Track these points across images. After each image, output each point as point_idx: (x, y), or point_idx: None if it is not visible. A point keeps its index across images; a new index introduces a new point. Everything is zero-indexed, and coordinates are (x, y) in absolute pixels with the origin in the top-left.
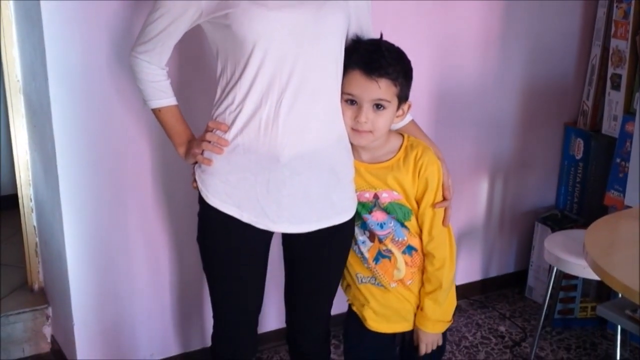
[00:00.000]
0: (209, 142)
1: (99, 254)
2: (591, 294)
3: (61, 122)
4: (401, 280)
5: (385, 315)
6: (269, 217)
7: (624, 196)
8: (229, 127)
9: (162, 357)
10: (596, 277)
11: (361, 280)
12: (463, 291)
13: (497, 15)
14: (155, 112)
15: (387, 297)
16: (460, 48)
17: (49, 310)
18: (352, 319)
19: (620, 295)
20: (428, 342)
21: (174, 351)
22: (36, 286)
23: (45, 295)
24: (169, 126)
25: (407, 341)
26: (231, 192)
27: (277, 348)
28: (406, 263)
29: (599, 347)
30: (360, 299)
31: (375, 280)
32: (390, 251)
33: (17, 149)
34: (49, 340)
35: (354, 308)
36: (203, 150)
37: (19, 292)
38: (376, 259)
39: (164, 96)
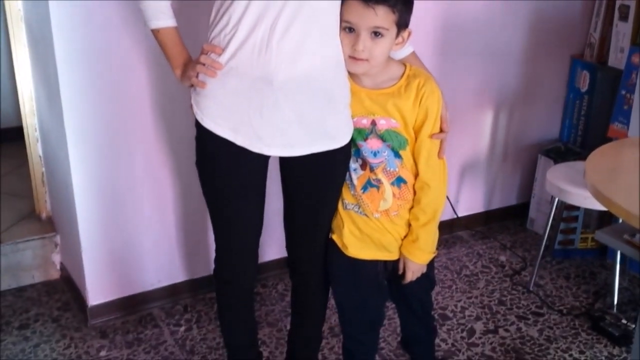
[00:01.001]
0: (204, 64)
1: (105, 182)
2: (592, 225)
3: (63, 51)
4: (386, 211)
5: (364, 242)
6: (262, 141)
7: (627, 128)
8: (224, 50)
9: (168, 283)
10: (597, 208)
11: (345, 206)
12: (465, 222)
13: None
14: (154, 33)
15: (368, 227)
16: None
17: (57, 238)
18: (334, 250)
19: (620, 221)
20: (415, 270)
21: (180, 278)
22: (44, 215)
23: (53, 224)
24: (167, 48)
25: (389, 271)
26: (225, 115)
27: (281, 276)
28: (394, 194)
29: (598, 277)
30: (340, 225)
31: (359, 208)
32: (379, 181)
33: (20, 79)
34: (58, 267)
35: (334, 237)
36: (198, 73)
37: (27, 221)
38: (364, 188)
39: (163, 17)
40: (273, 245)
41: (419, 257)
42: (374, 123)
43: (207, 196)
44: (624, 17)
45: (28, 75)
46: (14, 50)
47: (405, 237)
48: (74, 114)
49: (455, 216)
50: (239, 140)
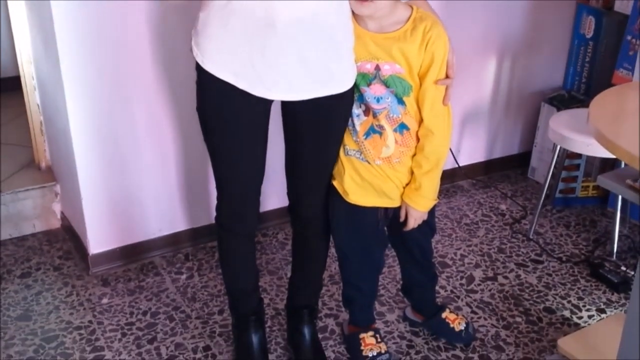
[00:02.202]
0: None
1: (104, 130)
2: (593, 174)
3: None
4: (388, 158)
5: (365, 188)
6: (264, 85)
7: (632, 74)
8: None
9: (169, 232)
10: (599, 155)
11: (347, 153)
12: (466, 172)
13: None
14: None
15: (370, 173)
16: None
17: (57, 188)
18: (335, 197)
19: (622, 165)
20: (417, 217)
21: (182, 226)
22: (43, 164)
23: (52, 173)
24: None
25: (390, 218)
26: (227, 58)
27: (282, 225)
28: (396, 141)
29: (598, 224)
30: (341, 171)
31: (361, 155)
32: (382, 127)
33: (16, 27)
34: (58, 216)
35: (335, 183)
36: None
37: (26, 170)
38: (367, 134)
39: None
40: (273, 194)
41: (421, 204)
42: (377, 68)
43: (208, 142)
44: None
45: (25, 22)
46: None
47: (407, 184)
48: (70, 61)
49: (456, 165)
50: (241, 84)
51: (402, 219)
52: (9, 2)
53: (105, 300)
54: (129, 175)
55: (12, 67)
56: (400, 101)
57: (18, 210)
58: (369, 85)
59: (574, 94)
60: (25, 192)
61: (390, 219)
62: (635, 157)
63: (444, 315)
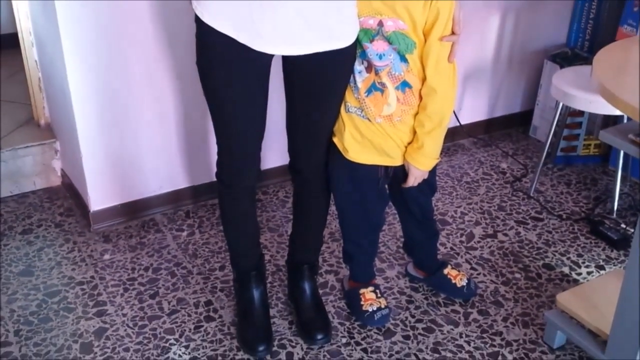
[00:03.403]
0: None
1: (102, 86)
2: (595, 132)
3: None
4: (389, 117)
5: (365, 146)
6: (264, 38)
7: (637, 31)
8: None
9: (170, 190)
10: (602, 112)
11: (348, 109)
12: (468, 130)
13: None
14: None
15: (370, 131)
16: None
17: (57, 145)
18: (335, 154)
19: (625, 120)
20: (418, 176)
21: (182, 184)
22: (42, 122)
23: (52, 130)
24: None
25: (390, 177)
26: (226, 11)
27: (283, 184)
28: (398, 99)
29: (599, 183)
30: (342, 128)
31: (362, 112)
32: (384, 84)
33: None
34: (59, 173)
35: (335, 140)
36: None
37: (26, 128)
38: (368, 91)
39: None
40: (274, 152)
41: (423, 163)
42: (380, 24)
43: (208, 96)
44: None
45: None
46: None
47: (409, 143)
48: (68, 16)
49: (457, 124)
50: (241, 38)
51: (403, 178)
52: None
53: (107, 257)
54: (128, 132)
55: (10, 23)
56: (403, 58)
57: (18, 168)
58: (371, 41)
59: (578, 52)
60: (24, 149)
61: (391, 177)
62: (637, 110)
63: (445, 271)
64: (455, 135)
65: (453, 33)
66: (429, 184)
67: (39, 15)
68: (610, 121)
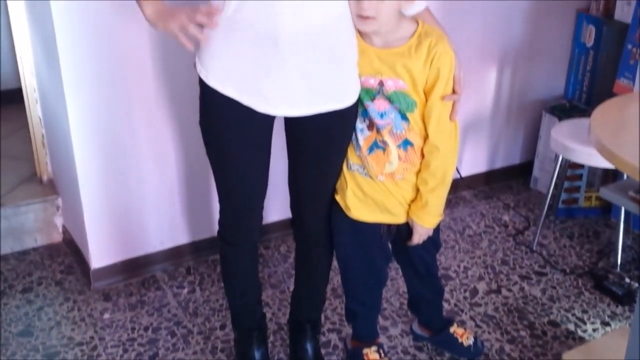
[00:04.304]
0: (197, 23)
1: (105, 143)
2: (596, 184)
3: (60, 9)
4: (391, 174)
5: (367, 204)
6: (267, 100)
7: (634, 83)
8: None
9: (171, 246)
10: (602, 165)
11: (350, 167)
12: (468, 182)
13: None
14: None
15: (372, 189)
16: None
17: (59, 201)
18: (337, 211)
19: (625, 177)
20: (422, 234)
21: (183, 240)
22: (45, 177)
23: (54, 186)
24: None
25: (393, 234)
26: (230, 74)
27: (284, 238)
28: (400, 157)
29: (601, 236)
30: (344, 185)
31: (364, 170)
32: (385, 143)
33: (18, 40)
34: (60, 230)
35: (337, 197)
36: (203, 28)
37: (28, 184)
38: (370, 149)
39: None
40: (276, 206)
41: (428, 221)
42: (381, 84)
43: (211, 157)
44: None
45: (26, 35)
46: (11, 9)
47: (412, 200)
48: (72, 73)
49: (458, 176)
50: (245, 100)
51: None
52: (10, 14)
53: (106, 316)
54: (130, 188)
55: (14, 79)
56: (404, 117)
57: (20, 224)
58: (372, 100)
59: (575, 103)
60: (26, 206)
61: (393, 234)
62: (636, 168)
63: (452, 329)
64: (456, 188)
65: (454, 92)
66: (433, 240)
67: (43, 71)
68: (610, 173)
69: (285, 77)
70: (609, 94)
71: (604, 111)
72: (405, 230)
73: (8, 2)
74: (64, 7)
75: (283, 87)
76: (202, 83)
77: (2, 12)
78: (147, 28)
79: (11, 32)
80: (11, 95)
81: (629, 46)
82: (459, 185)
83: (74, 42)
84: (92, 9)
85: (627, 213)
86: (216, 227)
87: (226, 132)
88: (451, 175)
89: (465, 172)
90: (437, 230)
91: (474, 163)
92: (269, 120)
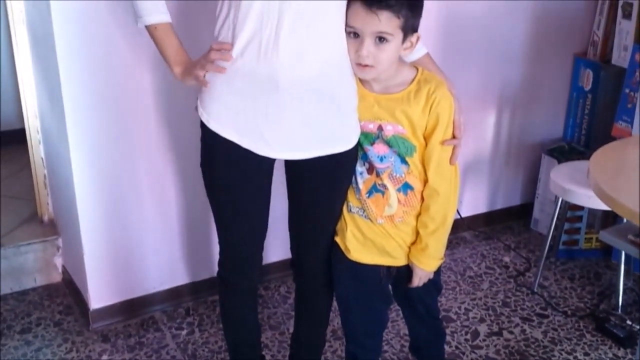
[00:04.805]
0: (213, 61)
1: (107, 184)
2: (596, 225)
3: (65, 52)
4: (390, 217)
5: (367, 246)
6: (268, 144)
7: (632, 127)
8: (232, 47)
9: (170, 287)
10: (601, 207)
11: (350, 209)
12: (468, 223)
13: None
14: (150, 29)
15: (372, 231)
16: None
17: (59, 241)
18: (337, 253)
19: (624, 220)
20: (423, 276)
21: (183, 280)
22: (46, 218)
23: (55, 227)
24: (164, 45)
25: (393, 277)
26: (231, 117)
27: (284, 278)
28: (399, 201)
29: (602, 277)
30: (344, 227)
31: (364, 212)
32: (385, 186)
33: (22, 81)
34: (60, 270)
35: (337, 239)
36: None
37: (29, 224)
38: (369, 192)
39: (160, 12)
40: (276, 246)
41: (428, 264)
42: (380, 128)
43: (212, 198)
44: (627, 15)
45: (30, 77)
46: (16, 52)
47: (412, 243)
48: (75, 115)
49: (458, 217)
50: (245, 143)
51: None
52: (15, 56)
53: (105, 357)
54: (130, 228)
55: (16, 119)
56: (404, 161)
57: (20, 264)
58: (372, 144)
59: (574, 146)
60: (27, 246)
61: (394, 276)
62: (635, 213)
63: None
64: (456, 228)
65: (454, 137)
66: (434, 283)
67: (47, 113)
68: (611, 215)
69: (286, 121)
70: (608, 136)
71: (602, 155)
72: (405, 272)
73: (14, 43)
74: (69, 49)
75: (284, 131)
76: (203, 126)
77: (7, 55)
78: (150, 72)
79: (16, 74)
80: (14, 135)
81: (627, 90)
82: (459, 225)
83: (77, 84)
84: (96, 53)
85: (627, 255)
86: (216, 268)
87: (227, 174)
88: (451, 219)
89: (465, 213)
90: (437, 272)
91: (474, 204)
92: (269, 163)
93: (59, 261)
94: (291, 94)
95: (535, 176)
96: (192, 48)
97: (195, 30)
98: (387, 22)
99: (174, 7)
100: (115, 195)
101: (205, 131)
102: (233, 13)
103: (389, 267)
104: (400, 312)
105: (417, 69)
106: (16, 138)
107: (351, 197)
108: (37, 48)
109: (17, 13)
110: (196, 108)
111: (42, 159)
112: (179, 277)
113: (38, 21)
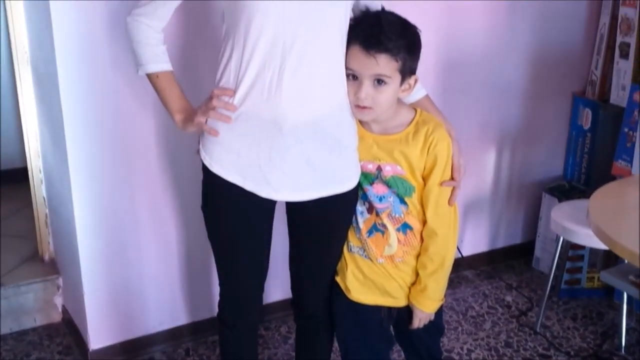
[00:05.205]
0: (215, 108)
1: (107, 224)
2: (598, 264)
3: (68, 93)
4: (391, 257)
5: (367, 286)
6: (271, 185)
7: (631, 166)
8: (234, 93)
9: (170, 326)
10: (603, 246)
11: (350, 249)
12: (470, 262)
13: None
14: (152, 77)
15: (372, 271)
16: (467, 16)
17: (60, 281)
18: (338, 293)
19: (625, 261)
20: (423, 318)
21: (183, 320)
22: (47, 257)
23: (55, 266)
24: (165, 92)
25: (395, 318)
26: (234, 160)
27: (285, 318)
28: (399, 240)
29: (605, 317)
30: (344, 267)
31: (364, 252)
32: (385, 226)
33: (25, 121)
34: (60, 310)
35: (338, 279)
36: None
37: (29, 263)
38: (370, 232)
39: (161, 60)
40: (277, 285)
41: (428, 305)
42: (379, 169)
43: (213, 240)
44: (624, 55)
45: (33, 116)
46: (20, 91)
47: (413, 284)
48: (78, 155)
49: (459, 256)
50: (248, 185)
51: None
52: (19, 96)
53: None
54: (131, 268)
55: (18, 158)
56: (403, 201)
57: (19, 304)
58: (371, 184)
59: (574, 184)
60: (27, 286)
61: (395, 317)
62: (635, 254)
63: None
64: (458, 267)
65: (453, 178)
66: (436, 324)
67: (49, 152)
68: (612, 253)
69: (289, 163)
70: (607, 175)
71: (601, 196)
72: (406, 313)
73: (17, 82)
74: (72, 90)
75: (286, 173)
76: (205, 169)
77: (11, 94)
78: (152, 113)
79: (19, 113)
80: (16, 174)
81: (625, 129)
82: (460, 264)
83: (80, 125)
84: (99, 94)
85: (629, 295)
86: (216, 308)
87: (228, 217)
88: (451, 260)
89: (466, 252)
90: (439, 313)
91: (476, 242)
92: (271, 204)
93: (59, 301)
94: (294, 136)
95: (536, 214)
96: (193, 92)
97: (196, 74)
98: (385, 64)
99: (175, 52)
100: (116, 235)
101: (208, 174)
102: (236, 58)
103: (390, 308)
104: (402, 352)
105: (416, 111)
106: (18, 177)
107: (351, 237)
108: (41, 88)
109: (22, 53)
110: (198, 151)
111: (43, 198)
112: (179, 317)
113: (42, 61)
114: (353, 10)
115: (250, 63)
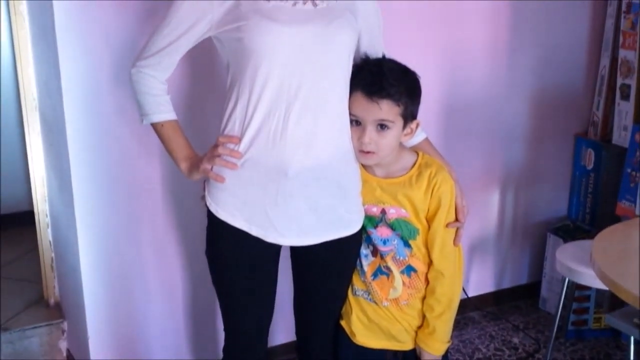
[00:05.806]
0: (220, 155)
1: (113, 269)
2: (605, 305)
3: (76, 140)
4: (396, 300)
5: (373, 330)
6: (277, 230)
7: (635, 206)
8: (239, 141)
9: None
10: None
11: (355, 292)
12: (476, 303)
13: (504, 25)
14: (157, 126)
15: (377, 315)
16: (468, 59)
17: (65, 325)
18: (341, 336)
19: None
20: None
21: None
22: (52, 301)
23: (60, 310)
24: (170, 141)
25: None
26: (240, 206)
27: None
28: (404, 283)
29: (612, 358)
30: (349, 311)
31: (369, 295)
32: (389, 269)
33: (33, 166)
34: (64, 354)
35: (343, 323)
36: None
37: (35, 307)
38: (374, 275)
39: (165, 110)
40: (281, 328)
41: (436, 348)
42: (383, 212)
43: (218, 286)
44: (625, 97)
45: (40, 161)
46: (27, 136)
47: (419, 327)
48: (84, 201)
49: (465, 296)
50: (254, 231)
51: None
52: (27, 140)
53: None
54: (136, 313)
55: (26, 202)
56: (407, 244)
57: (25, 348)
58: (375, 227)
59: (579, 224)
60: (32, 330)
61: None
62: (637, 298)
63: None
64: (464, 308)
65: (457, 219)
66: None
67: (55, 197)
68: None
69: (294, 208)
70: (612, 215)
71: (605, 238)
72: (412, 357)
73: (26, 128)
74: (79, 137)
75: (292, 218)
76: (210, 215)
77: (19, 140)
78: (158, 160)
79: (26, 157)
80: (22, 217)
81: (628, 170)
82: (466, 305)
83: (86, 171)
84: (106, 141)
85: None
86: (220, 352)
87: (233, 263)
88: (457, 301)
89: (472, 292)
90: (445, 356)
91: (481, 283)
92: (276, 249)
93: (63, 345)
94: (300, 180)
95: (542, 254)
96: (199, 140)
97: (202, 121)
98: (388, 110)
99: (181, 99)
100: (121, 279)
101: (213, 220)
102: (241, 106)
103: (395, 352)
104: None
105: (418, 154)
106: (25, 220)
107: (356, 280)
108: (48, 134)
109: (30, 100)
110: (203, 197)
111: (49, 242)
112: None
113: (50, 108)
114: (354, 57)
115: (255, 111)
